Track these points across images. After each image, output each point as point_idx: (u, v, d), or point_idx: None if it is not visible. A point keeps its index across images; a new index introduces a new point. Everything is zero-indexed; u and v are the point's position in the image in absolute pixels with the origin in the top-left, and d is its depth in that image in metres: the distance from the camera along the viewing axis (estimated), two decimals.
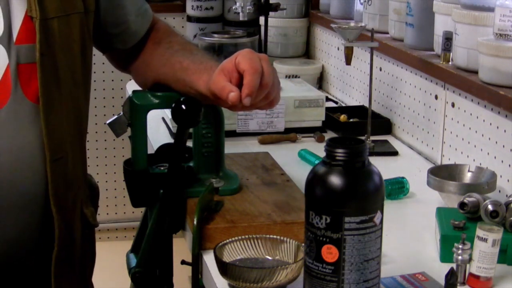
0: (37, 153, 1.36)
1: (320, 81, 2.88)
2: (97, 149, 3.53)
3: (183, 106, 1.46)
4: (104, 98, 3.51)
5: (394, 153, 2.10)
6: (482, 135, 1.83)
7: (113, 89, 3.53)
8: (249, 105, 1.35)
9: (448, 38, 1.94)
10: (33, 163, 1.36)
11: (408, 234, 1.59)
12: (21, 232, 1.38)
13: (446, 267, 1.31)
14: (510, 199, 1.47)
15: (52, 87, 1.36)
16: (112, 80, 3.51)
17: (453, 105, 1.96)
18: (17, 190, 1.35)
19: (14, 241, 1.38)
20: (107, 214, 3.61)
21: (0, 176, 1.33)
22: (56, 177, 1.37)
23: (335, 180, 1.15)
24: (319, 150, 1.90)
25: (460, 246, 1.35)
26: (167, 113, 2.13)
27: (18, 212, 1.36)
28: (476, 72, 1.82)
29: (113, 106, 3.50)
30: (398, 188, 1.77)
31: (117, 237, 3.68)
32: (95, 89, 3.43)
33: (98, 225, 1.53)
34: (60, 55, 1.37)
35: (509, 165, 1.73)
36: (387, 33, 2.34)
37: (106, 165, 3.59)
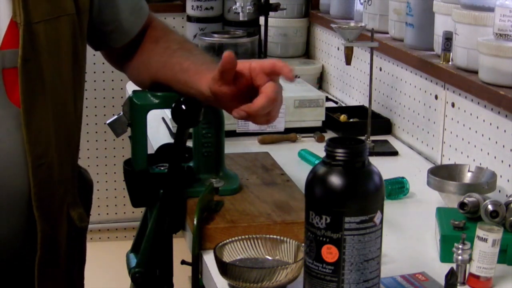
0: (21, 158, 1.34)
1: (320, 81, 2.88)
2: (97, 149, 3.53)
3: (183, 106, 1.46)
4: (104, 98, 3.51)
5: (394, 153, 2.10)
6: (482, 135, 1.83)
7: (113, 89, 3.53)
8: (247, 117, 1.35)
9: (448, 38, 1.94)
10: (17, 168, 1.35)
11: (408, 234, 1.59)
12: (6, 235, 1.37)
13: (446, 267, 1.31)
14: (510, 199, 1.48)
15: (36, 92, 1.34)
16: (112, 80, 3.51)
17: (453, 105, 1.96)
18: (3, 194, 1.34)
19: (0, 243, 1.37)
20: (107, 214, 3.61)
21: None
22: (39, 182, 1.36)
23: (335, 180, 1.15)
24: (319, 150, 1.90)
25: (460, 246, 1.35)
26: (167, 113, 2.13)
27: (3, 215, 1.35)
28: (476, 72, 1.82)
29: (113, 106, 3.50)
30: (398, 188, 1.77)
31: (117, 237, 3.68)
32: (95, 89, 3.44)
33: (86, 228, 1.51)
34: (47, 59, 1.35)
35: (509, 165, 1.73)
36: (387, 33, 2.34)
37: (106, 165, 3.59)
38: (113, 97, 3.52)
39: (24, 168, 1.35)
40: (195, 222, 1.40)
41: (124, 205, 3.63)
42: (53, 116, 1.38)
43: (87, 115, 3.02)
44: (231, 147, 1.80)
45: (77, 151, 1.49)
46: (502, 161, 1.75)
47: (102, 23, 1.52)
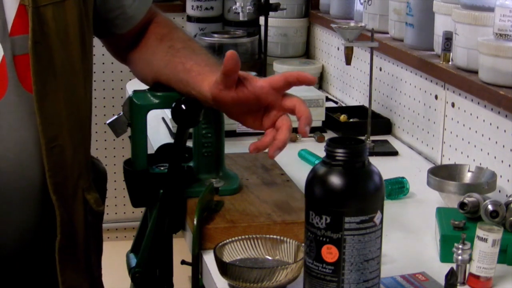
0: (35, 143, 1.37)
1: (320, 81, 2.88)
2: (97, 149, 3.52)
3: (183, 106, 1.46)
4: (104, 98, 3.51)
5: (394, 153, 2.10)
6: (482, 135, 1.83)
7: (113, 89, 3.53)
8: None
9: (448, 38, 1.94)
10: (32, 153, 1.37)
11: (408, 234, 1.59)
12: (25, 221, 1.39)
13: (446, 267, 1.31)
14: (510, 199, 1.47)
15: (48, 75, 1.36)
16: (112, 80, 3.51)
17: (453, 105, 1.96)
18: (21, 180, 1.36)
19: (19, 230, 1.39)
20: (107, 214, 3.60)
21: (5, 166, 1.34)
22: (53, 165, 1.38)
23: (335, 180, 1.15)
24: (319, 150, 1.90)
25: (460, 246, 1.35)
26: (167, 113, 2.13)
27: (22, 201, 1.38)
28: (476, 72, 1.82)
29: (113, 106, 3.50)
30: (398, 188, 1.77)
31: (117, 237, 3.68)
32: (95, 89, 3.41)
33: (103, 213, 1.52)
34: (56, 42, 1.37)
35: (509, 165, 1.73)
36: (387, 33, 2.34)
37: (106, 165, 3.57)
38: (113, 97, 3.52)
39: (39, 153, 1.37)
40: (195, 222, 1.40)
41: (124, 205, 3.63)
42: (64, 99, 1.39)
43: None
44: (231, 147, 1.79)
45: (89, 137, 1.50)
46: (502, 161, 1.75)
47: (106, 10, 1.53)
